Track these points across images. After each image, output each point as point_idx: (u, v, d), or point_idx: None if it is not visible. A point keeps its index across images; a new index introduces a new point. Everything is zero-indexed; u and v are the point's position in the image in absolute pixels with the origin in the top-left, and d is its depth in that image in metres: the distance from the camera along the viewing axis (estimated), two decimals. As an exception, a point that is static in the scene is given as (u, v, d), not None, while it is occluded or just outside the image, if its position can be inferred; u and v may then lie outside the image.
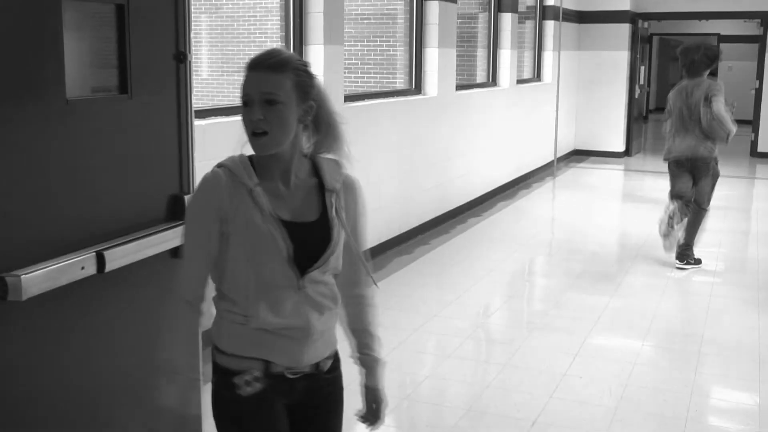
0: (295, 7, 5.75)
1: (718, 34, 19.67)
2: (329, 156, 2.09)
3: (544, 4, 11.86)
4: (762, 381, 4.43)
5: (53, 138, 2.43)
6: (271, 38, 11.55)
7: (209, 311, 2.11)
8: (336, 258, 2.04)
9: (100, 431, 2.72)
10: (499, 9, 9.90)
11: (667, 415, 4.02)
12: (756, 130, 13.43)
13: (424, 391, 4.31)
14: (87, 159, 2.56)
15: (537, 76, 12.01)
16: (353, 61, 10.54)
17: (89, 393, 2.64)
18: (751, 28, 16.69)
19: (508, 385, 4.34)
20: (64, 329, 2.52)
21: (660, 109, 7.00)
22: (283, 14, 5.86)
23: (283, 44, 5.91)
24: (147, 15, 2.78)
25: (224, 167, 2.01)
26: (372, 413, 2.24)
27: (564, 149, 12.88)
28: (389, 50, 10.53)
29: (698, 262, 6.71)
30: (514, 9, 10.03)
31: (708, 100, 6.15)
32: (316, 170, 2.06)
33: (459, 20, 8.50)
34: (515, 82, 10.34)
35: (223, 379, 2.04)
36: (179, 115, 2.96)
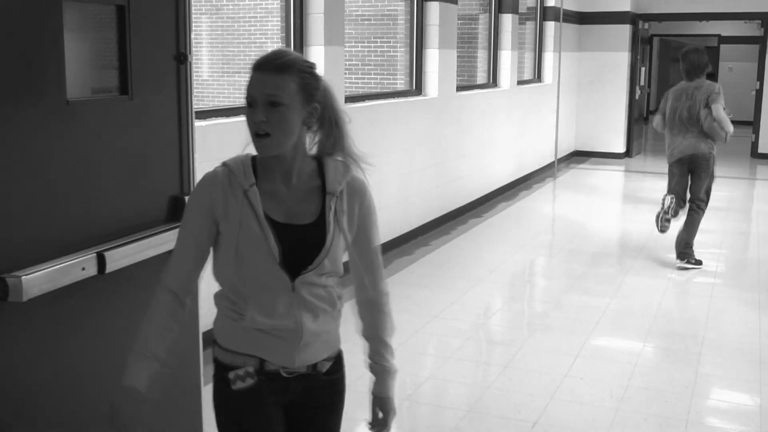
0: (295, 9, 5.75)
1: (718, 35, 19.69)
2: (338, 157, 2.08)
3: (545, 5, 11.86)
4: (763, 382, 4.43)
5: (54, 139, 2.43)
6: (271, 39, 11.55)
7: (193, 306, 2.13)
8: (333, 261, 2.02)
9: (100, 432, 2.72)
10: (500, 10, 9.91)
11: (667, 416, 4.01)
12: (756, 131, 13.43)
13: (424, 392, 4.31)
14: (87, 160, 2.56)
15: (537, 77, 12.01)
16: (354, 62, 10.54)
17: (90, 393, 2.64)
18: (751, 29, 16.68)
19: (508, 387, 4.33)
20: (64, 330, 2.51)
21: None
22: (284, 15, 5.86)
23: (284, 45, 5.92)
24: (147, 16, 2.77)
25: (226, 166, 2.03)
26: (378, 422, 2.21)
27: (564, 150, 12.88)
28: (390, 51, 10.53)
29: (699, 263, 6.71)
30: (514, 10, 10.03)
31: (709, 102, 6.32)
32: (321, 171, 2.05)
33: (459, 21, 8.50)
34: (516, 83, 10.34)
35: (219, 373, 2.07)
36: (180, 115, 2.96)
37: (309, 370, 2.08)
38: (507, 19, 9.92)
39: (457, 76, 8.44)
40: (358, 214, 2.08)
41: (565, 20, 12.14)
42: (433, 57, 7.79)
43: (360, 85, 10.57)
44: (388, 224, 6.76)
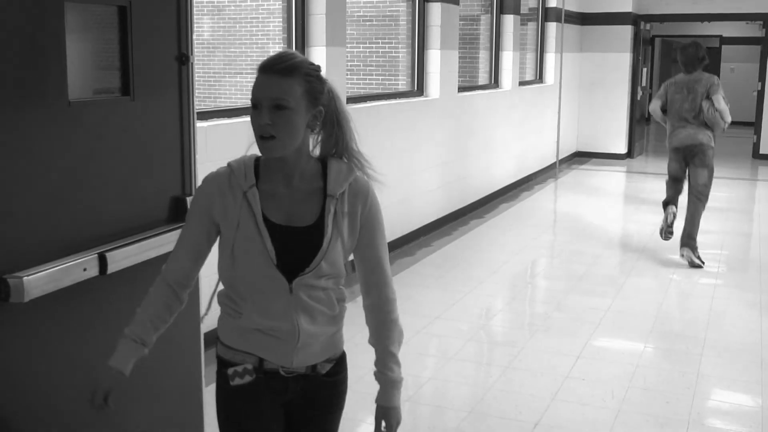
0: (297, 9, 5.76)
1: (720, 36, 19.67)
2: (342, 159, 2.08)
3: (547, 5, 11.86)
4: (764, 383, 4.43)
5: (55, 139, 2.43)
6: (273, 40, 11.55)
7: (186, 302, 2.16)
8: (331, 264, 2.02)
9: (101, 433, 2.72)
10: (502, 11, 9.90)
11: (669, 416, 4.01)
12: (758, 132, 13.41)
13: (426, 393, 4.31)
14: (89, 160, 2.56)
15: (539, 77, 12.01)
16: (355, 63, 10.54)
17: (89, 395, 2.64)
18: (753, 30, 16.67)
19: (510, 387, 4.33)
20: (66, 331, 2.52)
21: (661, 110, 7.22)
22: (286, 16, 5.86)
23: (285, 46, 5.92)
24: (149, 17, 2.78)
25: (229, 167, 2.05)
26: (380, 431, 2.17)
27: (566, 151, 12.88)
28: (391, 52, 10.52)
29: (701, 262, 6.71)
30: (516, 11, 10.03)
31: (710, 94, 6.62)
32: (324, 173, 2.05)
33: (461, 22, 8.50)
34: (517, 83, 10.34)
35: (220, 370, 2.10)
36: (181, 116, 2.96)
37: (308, 371, 2.08)
38: (509, 20, 9.92)
39: (459, 76, 8.44)
40: (361, 216, 2.07)
41: (567, 21, 12.14)
42: (434, 58, 7.79)
43: (361, 86, 10.57)
44: (390, 225, 6.70)
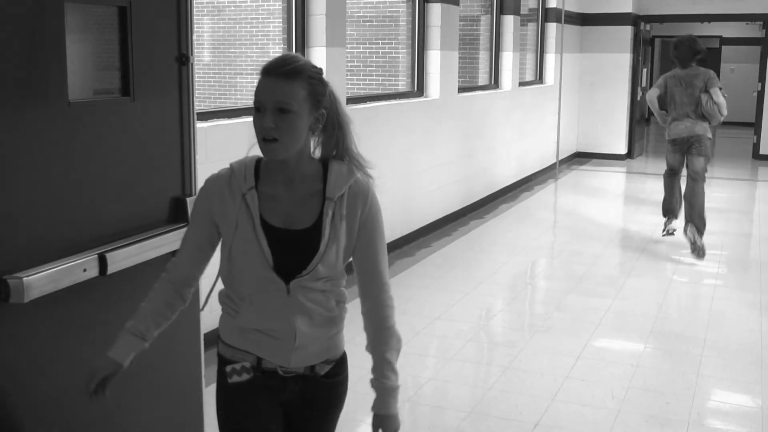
0: (297, 10, 5.76)
1: (720, 37, 19.67)
2: (343, 161, 2.08)
3: (547, 6, 11.86)
4: (764, 383, 4.43)
5: (55, 140, 2.43)
6: (273, 41, 11.56)
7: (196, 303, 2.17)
8: (328, 267, 2.02)
9: (102, 433, 2.72)
10: (502, 11, 9.90)
11: (669, 417, 4.01)
12: (758, 133, 13.41)
13: (426, 394, 4.31)
14: (89, 161, 2.56)
15: (539, 78, 12.01)
16: (355, 64, 10.54)
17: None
18: (753, 30, 16.67)
19: (510, 388, 4.33)
20: (66, 331, 2.52)
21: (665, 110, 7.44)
22: (285, 17, 5.86)
23: (285, 47, 5.92)
24: (149, 17, 2.78)
25: (230, 168, 2.07)
26: None
27: (566, 151, 12.88)
28: (391, 53, 10.52)
29: (702, 248, 7.11)
30: (516, 11, 10.03)
31: (707, 87, 6.96)
32: (324, 175, 2.06)
33: (461, 22, 8.50)
34: (517, 84, 10.34)
35: (219, 367, 2.12)
36: (181, 117, 2.96)
37: (307, 372, 2.09)
38: (509, 21, 9.92)
39: (459, 77, 8.44)
40: (360, 217, 2.07)
41: (567, 21, 12.14)
42: (434, 58, 7.79)
43: (361, 87, 10.57)
44: (390, 225, 6.70)
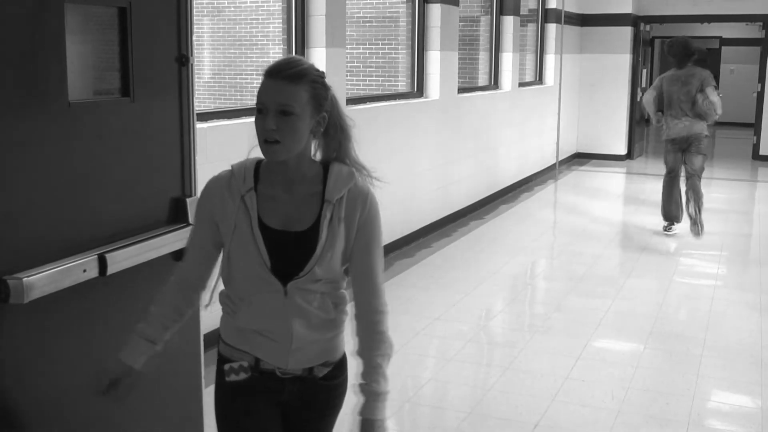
0: (297, 10, 5.76)
1: (720, 37, 19.68)
2: (344, 164, 2.09)
3: (546, 7, 11.86)
4: (764, 384, 4.43)
5: (55, 140, 2.43)
6: (273, 41, 11.56)
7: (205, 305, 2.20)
8: (325, 269, 2.03)
9: (101, 434, 2.72)
10: (501, 12, 9.90)
11: (668, 418, 4.01)
12: (758, 133, 13.40)
13: (425, 394, 4.31)
14: (89, 161, 2.56)
15: (539, 79, 12.01)
16: (355, 64, 10.54)
17: (91, 395, 2.64)
18: (753, 31, 16.67)
19: (510, 388, 4.33)
20: (66, 332, 2.52)
21: (661, 111, 7.65)
22: (285, 17, 5.86)
23: (285, 47, 5.92)
24: (149, 18, 2.78)
25: (231, 170, 2.08)
26: None
27: (566, 152, 12.88)
28: (391, 53, 10.53)
29: (701, 224, 7.49)
30: (516, 12, 10.03)
31: (703, 87, 7.22)
32: (325, 177, 2.06)
33: (461, 23, 8.50)
34: (517, 85, 10.34)
35: (218, 365, 2.14)
36: (181, 117, 2.96)
37: (305, 374, 2.09)
38: (508, 21, 9.92)
39: (459, 78, 8.44)
40: (358, 220, 2.07)
41: (567, 22, 12.14)
42: (434, 59, 7.79)
43: (361, 87, 10.57)
44: (390, 226, 6.75)
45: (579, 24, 13.10)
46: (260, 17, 12.05)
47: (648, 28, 14.03)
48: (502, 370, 4.61)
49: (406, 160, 7.28)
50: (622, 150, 13.46)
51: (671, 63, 7.54)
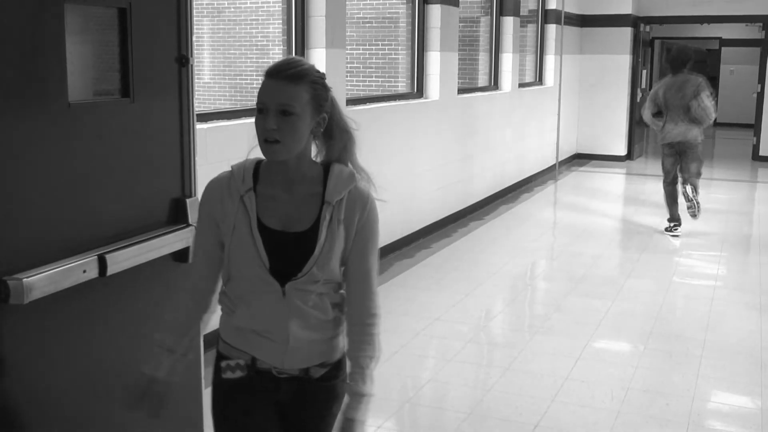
0: (297, 11, 5.76)
1: (719, 38, 19.67)
2: (345, 166, 2.09)
3: (546, 7, 11.86)
4: (764, 385, 4.43)
5: (55, 141, 2.43)
6: (273, 42, 11.56)
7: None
8: (324, 270, 2.03)
9: (101, 434, 2.72)
10: (501, 12, 9.91)
11: (668, 418, 4.01)
12: (758, 134, 13.40)
13: (425, 395, 4.31)
14: (89, 162, 2.57)
15: (539, 79, 12.01)
16: (355, 65, 10.54)
17: (91, 396, 2.64)
18: (753, 31, 16.68)
19: (509, 389, 4.33)
20: (66, 332, 2.52)
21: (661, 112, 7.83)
22: (285, 18, 5.87)
23: (285, 48, 5.92)
24: (149, 18, 2.78)
25: (230, 171, 2.09)
26: None
27: (566, 153, 12.88)
28: (391, 54, 10.53)
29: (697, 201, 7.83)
30: (516, 12, 10.03)
31: (697, 94, 7.46)
32: (325, 178, 2.06)
33: (461, 24, 8.51)
34: (517, 85, 10.34)
35: (215, 363, 2.14)
36: (181, 118, 2.96)
37: (301, 374, 2.10)
38: (508, 22, 9.93)
39: (459, 78, 8.44)
40: (357, 223, 2.07)
41: (567, 23, 12.15)
42: (434, 60, 7.79)
43: (361, 88, 10.57)
44: (390, 226, 6.76)
45: (579, 25, 13.10)
46: (260, 18, 12.05)
47: (648, 28, 14.03)
48: (502, 370, 4.62)
49: (406, 161, 7.28)
50: (622, 151, 13.46)
51: (667, 69, 7.86)
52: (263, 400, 2.11)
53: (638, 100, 13.60)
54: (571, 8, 12.43)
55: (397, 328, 5.17)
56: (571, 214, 9.42)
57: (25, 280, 2.25)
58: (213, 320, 2.24)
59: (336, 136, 2.09)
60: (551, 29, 11.93)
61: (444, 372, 4.60)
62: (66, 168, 2.48)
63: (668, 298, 6.10)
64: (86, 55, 2.64)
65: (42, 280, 2.31)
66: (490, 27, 9.89)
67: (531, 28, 11.73)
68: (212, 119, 4.94)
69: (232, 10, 12.31)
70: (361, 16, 10.87)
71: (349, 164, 2.11)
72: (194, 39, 3.02)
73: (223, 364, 2.11)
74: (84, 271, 2.46)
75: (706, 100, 7.48)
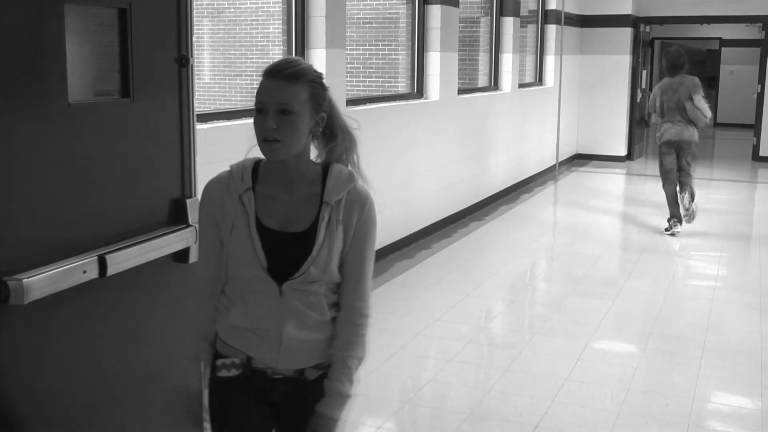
0: (297, 11, 5.76)
1: (720, 38, 19.68)
2: (345, 166, 2.10)
3: (546, 8, 11.86)
4: (764, 385, 4.43)
5: (55, 141, 2.43)
6: (273, 42, 11.56)
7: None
8: (322, 270, 2.03)
9: (101, 435, 2.72)
10: (501, 13, 9.91)
11: (668, 419, 4.01)
12: (758, 134, 13.40)
13: (425, 395, 4.31)
14: (89, 163, 2.57)
15: (539, 80, 12.02)
16: (355, 65, 10.54)
17: (91, 396, 2.64)
18: (753, 32, 16.68)
19: (509, 390, 4.33)
20: (65, 333, 2.52)
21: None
22: (285, 18, 5.87)
23: (285, 48, 5.93)
24: (149, 19, 2.78)
25: (229, 171, 2.09)
26: None
27: (566, 153, 12.88)
28: (391, 54, 10.53)
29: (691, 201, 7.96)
30: (516, 13, 10.03)
31: (691, 94, 7.75)
32: (324, 178, 2.07)
33: (461, 24, 8.51)
34: (517, 86, 10.34)
35: (212, 361, 2.16)
36: (181, 118, 2.96)
37: (296, 375, 2.10)
38: (508, 22, 9.93)
39: (459, 79, 8.44)
40: (355, 224, 2.08)
41: (567, 23, 12.15)
42: (434, 60, 7.79)
43: (361, 88, 10.58)
44: (390, 226, 6.76)
45: (579, 25, 13.10)
46: (260, 18, 12.05)
47: (648, 29, 14.03)
48: (502, 371, 4.61)
49: (406, 161, 7.28)
50: (622, 151, 13.46)
51: (665, 72, 8.12)
52: (259, 400, 2.12)
53: (638, 100, 13.61)
54: (571, 8, 12.43)
55: (397, 328, 5.17)
56: (572, 215, 9.43)
57: (25, 280, 2.25)
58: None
59: (338, 137, 2.09)
60: (551, 29, 11.93)
61: (444, 372, 4.60)
62: (66, 168, 2.48)
63: (668, 298, 6.10)
64: (86, 56, 2.64)
65: (42, 281, 2.30)
66: (490, 27, 9.89)
67: (531, 29, 11.73)
68: (212, 119, 4.94)
69: (232, 10, 12.32)
70: (361, 16, 10.87)
71: (349, 165, 2.11)
72: (194, 39, 3.02)
73: (219, 362, 2.12)
74: (84, 272, 2.46)
75: (701, 101, 7.76)
